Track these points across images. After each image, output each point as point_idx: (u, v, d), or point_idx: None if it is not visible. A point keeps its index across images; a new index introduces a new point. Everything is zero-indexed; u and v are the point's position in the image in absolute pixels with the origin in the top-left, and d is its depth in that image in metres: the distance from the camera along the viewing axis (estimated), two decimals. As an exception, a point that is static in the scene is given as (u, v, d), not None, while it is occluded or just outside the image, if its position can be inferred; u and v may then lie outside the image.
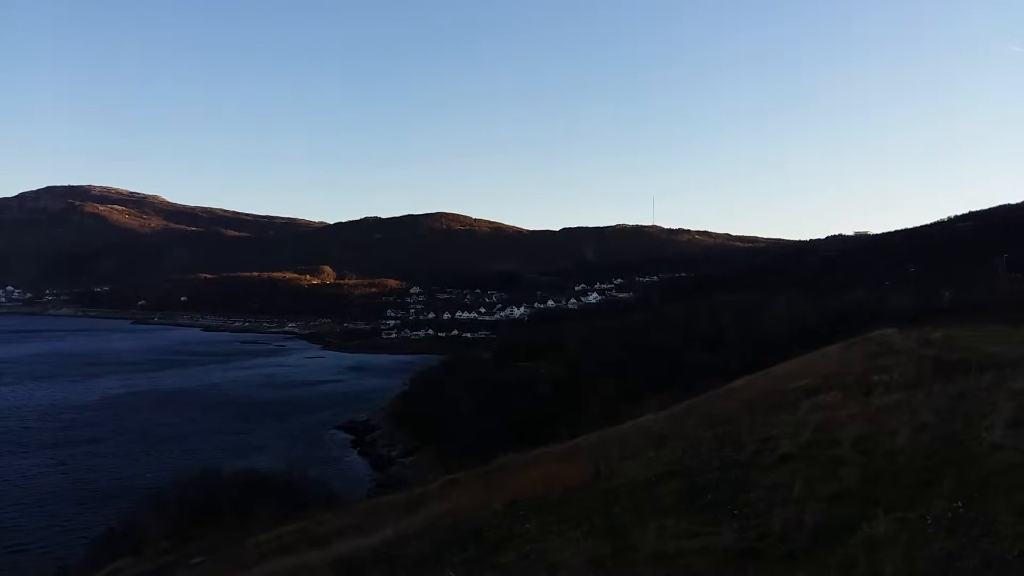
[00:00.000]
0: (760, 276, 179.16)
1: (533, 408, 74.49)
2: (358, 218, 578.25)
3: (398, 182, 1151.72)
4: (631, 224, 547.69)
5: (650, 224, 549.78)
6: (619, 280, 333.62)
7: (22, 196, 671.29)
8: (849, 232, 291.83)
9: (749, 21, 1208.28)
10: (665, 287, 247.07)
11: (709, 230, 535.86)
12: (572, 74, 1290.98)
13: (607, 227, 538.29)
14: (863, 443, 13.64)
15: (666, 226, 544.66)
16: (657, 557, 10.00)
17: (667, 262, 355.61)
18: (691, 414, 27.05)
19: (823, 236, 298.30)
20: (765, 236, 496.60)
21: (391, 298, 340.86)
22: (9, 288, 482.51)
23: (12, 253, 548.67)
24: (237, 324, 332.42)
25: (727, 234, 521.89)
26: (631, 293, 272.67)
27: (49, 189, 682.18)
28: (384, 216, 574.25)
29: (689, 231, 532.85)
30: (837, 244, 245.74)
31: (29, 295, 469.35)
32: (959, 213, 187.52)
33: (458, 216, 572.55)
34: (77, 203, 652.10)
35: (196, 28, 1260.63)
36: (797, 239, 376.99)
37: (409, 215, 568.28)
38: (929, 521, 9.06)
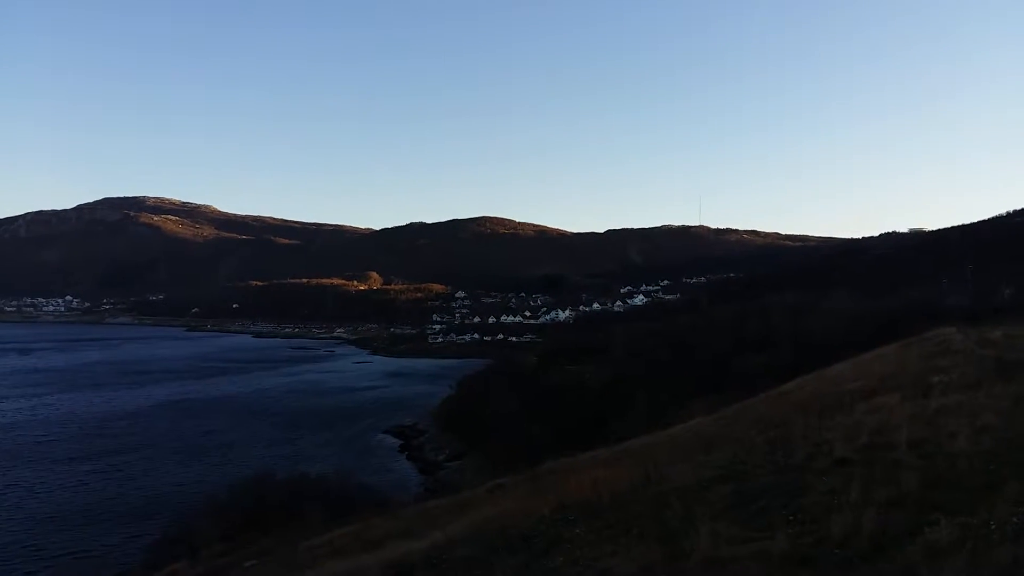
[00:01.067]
0: (811, 276, 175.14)
1: (580, 412, 74.22)
2: (403, 224, 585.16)
3: (442, 187, 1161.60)
4: (677, 225, 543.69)
5: (697, 224, 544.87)
6: (666, 282, 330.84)
7: (80, 208, 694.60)
8: (903, 229, 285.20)
9: (798, 15, 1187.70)
10: (713, 288, 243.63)
11: (758, 229, 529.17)
12: (616, 74, 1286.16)
13: (653, 228, 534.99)
14: (922, 446, 13.25)
15: (713, 226, 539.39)
16: (710, 563, 9.83)
17: (715, 263, 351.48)
18: (741, 417, 26.60)
19: (876, 234, 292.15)
20: (816, 235, 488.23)
21: (437, 303, 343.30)
22: (69, 297, 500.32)
23: (71, 264, 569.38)
24: (287, 330, 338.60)
25: (776, 233, 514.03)
26: (678, 295, 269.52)
27: (105, 201, 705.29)
28: (429, 221, 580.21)
29: (737, 231, 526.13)
30: (891, 242, 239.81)
31: (88, 304, 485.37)
32: (1017, 208, 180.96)
33: (502, 220, 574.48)
34: (132, 214, 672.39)
35: (246, 39, 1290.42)
36: (849, 237, 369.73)
37: (453, 220, 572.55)
38: (993, 526, 8.74)
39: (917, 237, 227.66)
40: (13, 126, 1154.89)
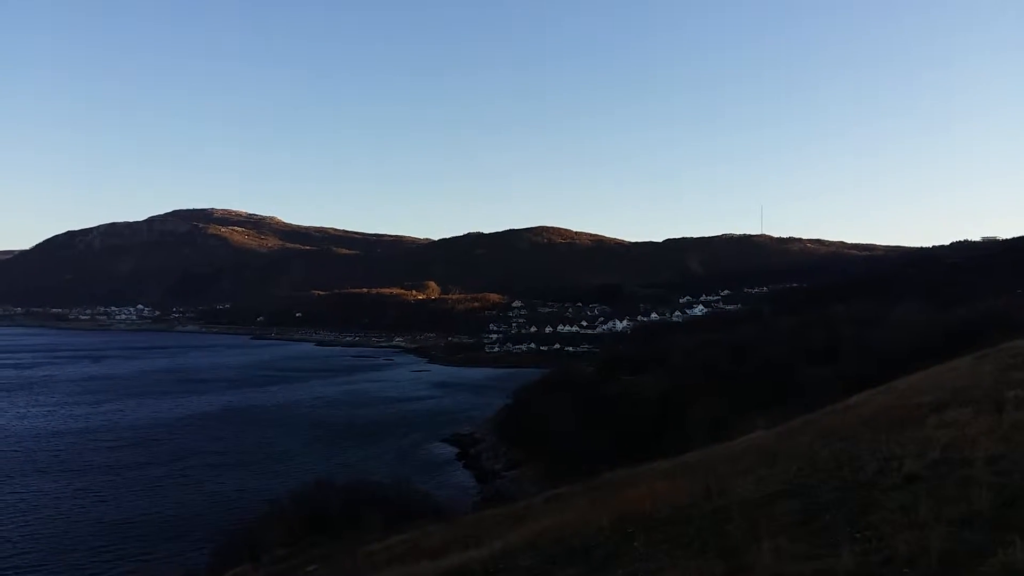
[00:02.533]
0: (879, 285, 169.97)
1: (637, 423, 73.49)
2: (461, 234, 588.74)
3: (500, 198, 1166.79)
4: (738, 233, 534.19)
5: (758, 233, 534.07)
6: (726, 292, 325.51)
7: (151, 220, 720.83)
8: (976, 238, 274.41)
9: (861, 22, 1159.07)
10: (776, 298, 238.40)
11: (822, 238, 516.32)
12: (675, 83, 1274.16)
13: (713, 237, 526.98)
14: (996, 463, 12.75)
15: (776, 235, 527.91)
16: (772, 579, 9.66)
17: (777, 272, 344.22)
18: (806, 431, 25.98)
19: (947, 243, 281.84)
20: (883, 243, 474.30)
21: (493, 312, 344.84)
22: (140, 306, 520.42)
23: (143, 273, 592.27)
24: (348, 339, 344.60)
25: (841, 242, 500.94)
26: (739, 305, 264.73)
27: (175, 213, 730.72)
28: (486, 231, 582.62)
29: (800, 239, 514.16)
30: (963, 251, 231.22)
31: (158, 313, 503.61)
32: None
33: (559, 229, 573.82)
34: (201, 225, 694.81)
35: (311, 55, 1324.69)
36: (919, 246, 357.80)
37: (511, 230, 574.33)
38: (1075, 549, 8.36)
39: (991, 246, 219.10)
40: (91, 140, 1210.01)
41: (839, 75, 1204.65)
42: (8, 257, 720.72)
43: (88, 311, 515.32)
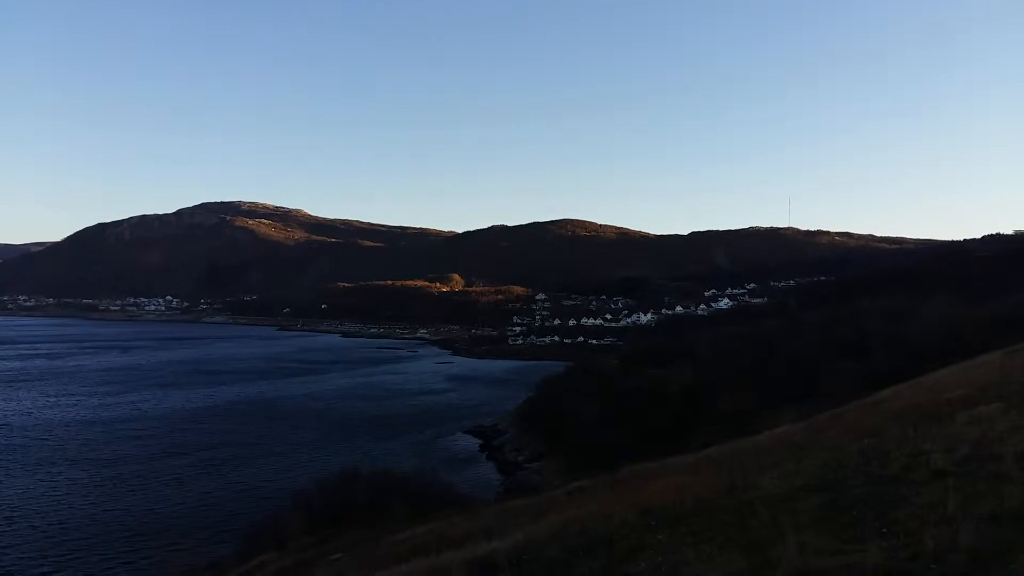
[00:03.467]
0: (909, 279, 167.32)
1: (661, 416, 73.23)
2: (485, 227, 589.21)
3: (524, 190, 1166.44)
4: (765, 226, 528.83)
5: (786, 226, 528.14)
6: (752, 285, 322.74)
7: (180, 212, 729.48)
8: (1008, 231, 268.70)
9: (900, 12, 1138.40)
10: (803, 291, 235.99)
11: (850, 231, 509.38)
12: (702, 75, 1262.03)
13: (739, 230, 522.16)
14: (1028, 460, 12.54)
15: (803, 227, 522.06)
16: (798, 574, 9.61)
17: (805, 265, 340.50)
18: (833, 425, 25.75)
19: (979, 236, 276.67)
20: (913, 236, 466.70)
21: (517, 305, 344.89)
22: (169, 297, 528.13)
23: (172, 265, 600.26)
24: (372, 330, 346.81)
25: (871, 235, 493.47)
26: (766, 298, 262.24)
27: (203, 206, 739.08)
28: (511, 224, 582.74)
29: (828, 232, 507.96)
30: (995, 244, 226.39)
31: (186, 304, 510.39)
32: None
33: (583, 222, 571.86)
34: (228, 218, 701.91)
35: (338, 50, 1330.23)
36: (950, 239, 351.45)
37: (535, 223, 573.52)
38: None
39: (1023, 239, 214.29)
40: (122, 135, 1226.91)
41: (871, 66, 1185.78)
42: (41, 249, 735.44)
43: (118, 302, 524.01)
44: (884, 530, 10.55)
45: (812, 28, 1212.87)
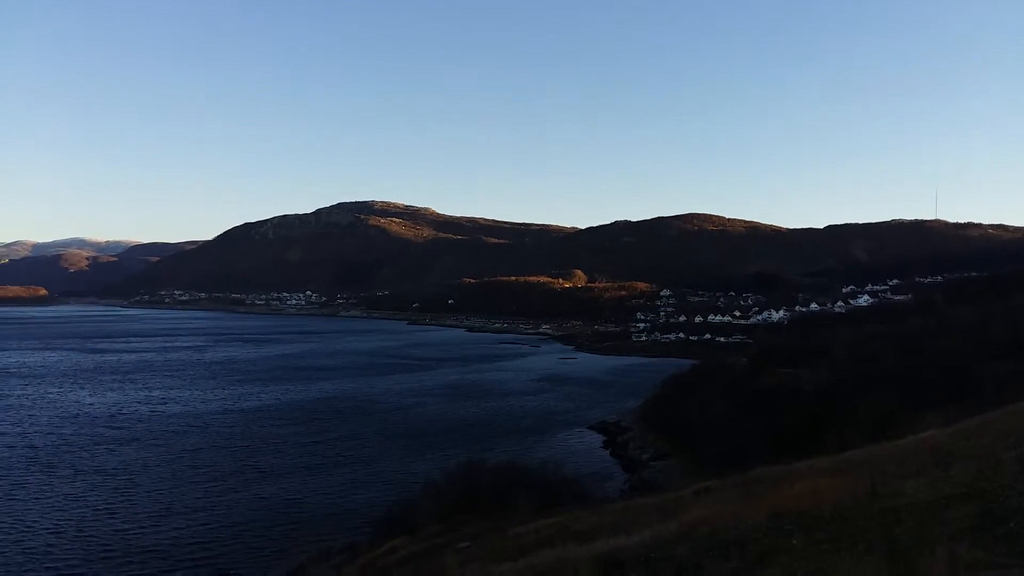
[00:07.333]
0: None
1: (794, 418, 70.24)
2: (608, 222, 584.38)
3: (648, 186, 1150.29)
4: (909, 219, 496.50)
5: (932, 218, 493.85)
6: (895, 281, 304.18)
7: (318, 212, 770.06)
8: None
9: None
10: (951, 288, 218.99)
11: (1005, 223, 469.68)
12: (836, 67, 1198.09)
13: (880, 223, 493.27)
14: None
15: (951, 220, 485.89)
16: (948, 588, 9.03)
17: (953, 260, 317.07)
18: (986, 431, 23.87)
19: None
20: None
21: (641, 301, 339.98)
22: (308, 292, 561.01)
23: (310, 262, 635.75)
24: (496, 325, 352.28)
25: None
26: (909, 295, 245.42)
27: (339, 205, 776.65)
28: (634, 219, 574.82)
29: (980, 225, 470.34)
30: None
31: (324, 299, 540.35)
32: None
33: (709, 216, 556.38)
34: (362, 217, 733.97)
35: (462, 52, 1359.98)
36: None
37: (659, 218, 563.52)
38: None
39: None
40: (266, 138, 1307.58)
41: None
42: (193, 247, 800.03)
43: (263, 297, 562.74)
44: (1049, 546, 9.73)
45: (967, 12, 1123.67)
